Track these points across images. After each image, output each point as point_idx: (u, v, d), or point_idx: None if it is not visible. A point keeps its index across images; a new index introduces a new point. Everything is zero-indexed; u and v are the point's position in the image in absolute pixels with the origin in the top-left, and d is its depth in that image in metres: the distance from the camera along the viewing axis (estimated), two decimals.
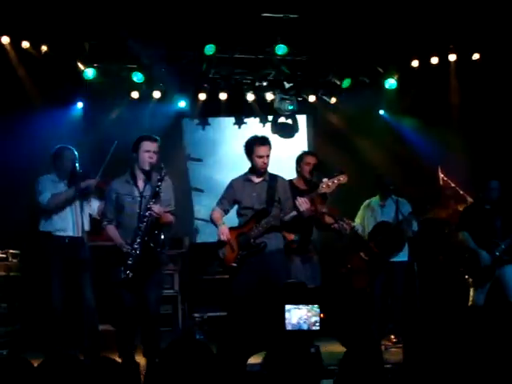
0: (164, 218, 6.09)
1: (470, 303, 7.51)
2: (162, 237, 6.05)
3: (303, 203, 6.30)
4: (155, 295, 6.19)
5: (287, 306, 2.14)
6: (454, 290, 8.94)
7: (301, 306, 2.14)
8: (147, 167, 6.08)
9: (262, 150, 6.54)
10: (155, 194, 5.99)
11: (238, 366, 2.44)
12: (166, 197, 6.17)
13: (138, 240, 5.96)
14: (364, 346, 2.35)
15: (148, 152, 6.07)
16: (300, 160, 7.55)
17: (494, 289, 7.53)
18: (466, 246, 7.60)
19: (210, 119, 10.74)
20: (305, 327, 2.14)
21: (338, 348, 4.69)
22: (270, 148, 6.61)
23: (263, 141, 6.59)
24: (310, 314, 2.13)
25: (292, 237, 7.07)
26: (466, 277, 7.68)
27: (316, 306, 2.11)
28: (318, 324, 2.14)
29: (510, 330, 3.24)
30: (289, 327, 2.14)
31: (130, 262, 5.94)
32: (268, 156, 6.57)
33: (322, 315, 2.14)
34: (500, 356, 2.99)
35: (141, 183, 6.13)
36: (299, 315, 2.13)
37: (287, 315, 2.12)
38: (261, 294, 6.21)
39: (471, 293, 7.57)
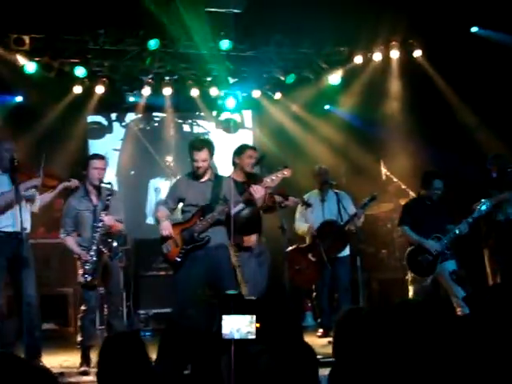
0: (115, 226, 6.66)
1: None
2: (115, 244, 6.69)
3: (258, 190, 6.29)
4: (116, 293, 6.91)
5: (226, 316, 2.16)
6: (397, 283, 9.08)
7: (236, 316, 2.15)
8: (97, 182, 6.62)
9: (195, 155, 6.55)
10: (106, 207, 6.55)
11: (177, 371, 2.44)
12: (116, 207, 6.75)
13: (94, 248, 6.50)
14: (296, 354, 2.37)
15: (96, 169, 6.64)
16: (240, 153, 7.37)
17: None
18: (410, 240, 7.66)
19: (155, 114, 10.71)
20: (246, 336, 2.16)
21: None
22: (209, 151, 6.57)
23: (198, 145, 6.60)
24: (245, 324, 2.15)
25: (252, 240, 7.11)
26: (408, 273, 7.75)
27: (252, 316, 2.14)
28: (253, 333, 2.16)
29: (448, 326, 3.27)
30: (228, 336, 2.16)
31: (87, 268, 6.49)
32: (204, 160, 6.54)
33: (257, 325, 2.15)
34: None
35: (93, 197, 6.67)
36: (233, 325, 2.15)
37: (228, 324, 2.14)
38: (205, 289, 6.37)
39: (410, 289, 7.65)
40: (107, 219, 6.52)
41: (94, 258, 6.47)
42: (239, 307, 2.24)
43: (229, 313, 2.23)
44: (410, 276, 7.69)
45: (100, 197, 6.64)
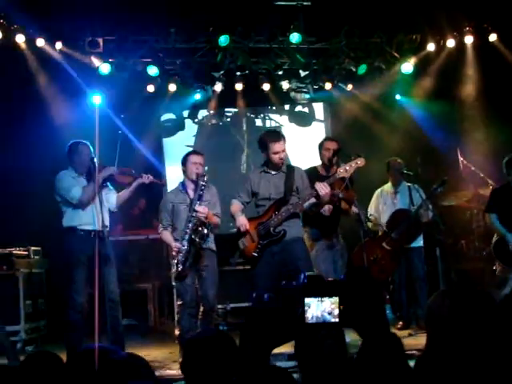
0: (210, 218, 6.61)
1: None
2: (205, 231, 6.53)
3: (322, 187, 6.27)
4: (212, 292, 6.70)
5: (309, 299, 2.13)
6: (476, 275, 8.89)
7: (324, 299, 2.12)
8: (194, 177, 6.70)
9: (277, 147, 6.50)
10: (199, 197, 6.60)
11: (261, 357, 2.43)
12: (212, 201, 6.76)
13: (186, 237, 6.55)
14: (381, 336, 2.33)
15: (195, 164, 6.76)
16: (321, 146, 7.48)
17: None
18: (495, 229, 7.49)
19: (227, 110, 10.75)
20: (329, 319, 2.13)
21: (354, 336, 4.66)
22: (285, 141, 6.58)
23: (277, 137, 6.59)
24: (333, 306, 2.13)
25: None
26: (496, 263, 7.59)
27: (336, 297, 2.11)
28: (336, 316, 2.13)
29: None
30: (312, 320, 2.12)
31: (179, 257, 6.53)
32: (283, 150, 6.54)
33: (341, 307, 2.13)
34: None
35: (190, 191, 6.75)
36: (323, 307, 2.12)
37: (310, 307, 2.11)
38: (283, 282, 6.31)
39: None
40: (201, 208, 6.53)
41: (186, 247, 6.50)
42: (321, 289, 2.21)
43: (311, 296, 2.20)
44: (498, 267, 7.53)
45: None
